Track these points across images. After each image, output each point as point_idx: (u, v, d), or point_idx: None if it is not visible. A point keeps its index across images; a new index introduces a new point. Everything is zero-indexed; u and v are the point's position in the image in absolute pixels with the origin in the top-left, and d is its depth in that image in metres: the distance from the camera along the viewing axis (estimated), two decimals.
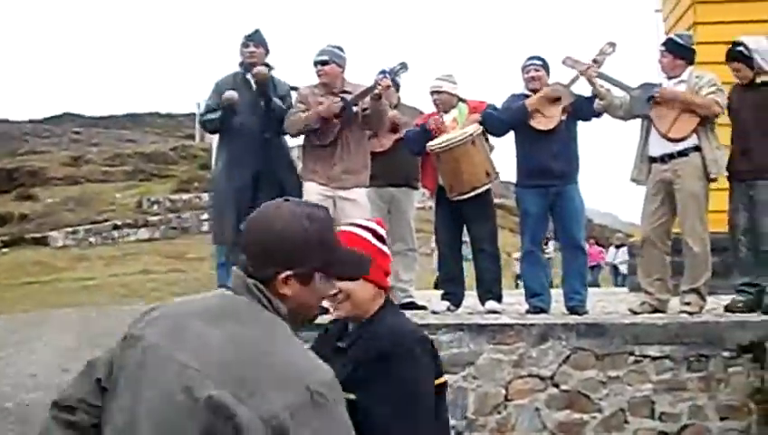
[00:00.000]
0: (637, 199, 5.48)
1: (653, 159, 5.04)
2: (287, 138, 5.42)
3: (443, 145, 5.05)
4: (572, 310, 4.99)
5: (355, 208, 4.86)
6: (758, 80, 4.95)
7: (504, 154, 5.64)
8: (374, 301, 1.99)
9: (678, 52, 5.08)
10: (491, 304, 5.17)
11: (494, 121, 5.21)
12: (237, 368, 1.29)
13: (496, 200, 5.63)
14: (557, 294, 5.25)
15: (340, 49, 5.21)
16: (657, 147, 5.01)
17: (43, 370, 5.06)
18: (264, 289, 1.42)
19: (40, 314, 7.40)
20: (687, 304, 4.85)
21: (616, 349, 4.36)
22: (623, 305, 5.58)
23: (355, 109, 5.00)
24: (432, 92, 5.41)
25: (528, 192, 5.21)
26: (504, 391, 4.40)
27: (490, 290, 5.27)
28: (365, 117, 5.03)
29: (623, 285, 16.31)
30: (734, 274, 5.22)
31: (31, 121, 31.01)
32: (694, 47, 5.18)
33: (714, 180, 4.94)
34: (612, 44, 5.13)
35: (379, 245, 2.01)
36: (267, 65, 5.29)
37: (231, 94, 5.10)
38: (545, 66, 5.27)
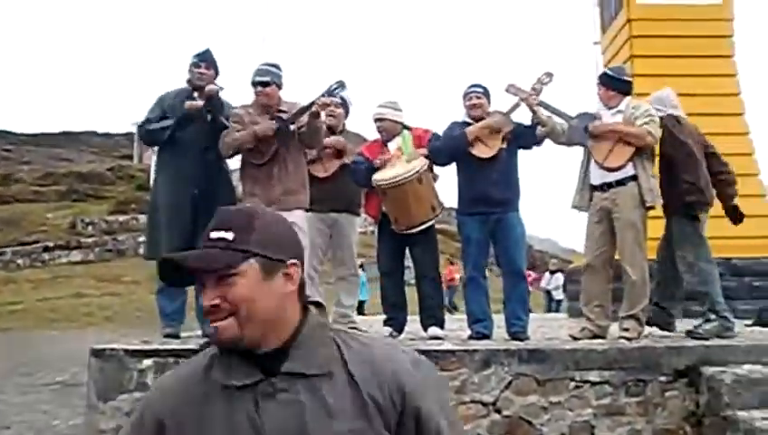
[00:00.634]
0: (577, 226, 5.58)
1: (594, 188, 5.14)
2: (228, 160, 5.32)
3: (389, 182, 5.04)
4: (514, 336, 5.00)
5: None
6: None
7: (445, 181, 5.66)
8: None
9: (612, 84, 5.21)
10: (433, 330, 5.15)
11: (438, 154, 5.24)
12: None
13: (438, 226, 5.62)
14: (498, 319, 5.27)
15: (278, 68, 5.09)
16: (597, 176, 5.11)
17: None
18: None
19: None
20: (626, 329, 4.93)
21: (557, 374, 4.38)
22: (563, 331, 5.63)
23: (292, 127, 4.94)
24: (376, 120, 5.41)
25: (469, 219, 5.22)
26: None
27: (433, 316, 5.25)
28: (300, 134, 4.92)
29: (557, 311, 16.55)
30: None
31: None
32: (629, 79, 5.31)
33: (651, 208, 5.05)
34: (549, 74, 5.20)
35: None
36: (217, 86, 5.19)
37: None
38: (486, 94, 5.32)
